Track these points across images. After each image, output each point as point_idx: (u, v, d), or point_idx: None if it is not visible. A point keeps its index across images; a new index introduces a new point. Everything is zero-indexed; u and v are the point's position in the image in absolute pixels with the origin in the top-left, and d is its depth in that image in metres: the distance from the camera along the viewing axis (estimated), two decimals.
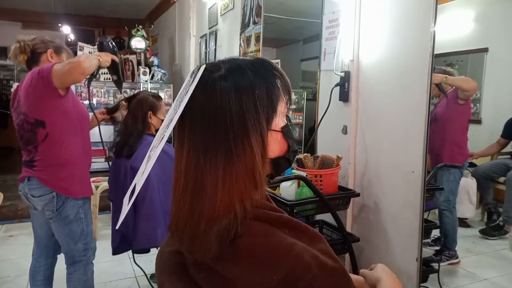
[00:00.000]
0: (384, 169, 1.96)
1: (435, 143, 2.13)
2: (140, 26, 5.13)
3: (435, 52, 1.66)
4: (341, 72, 2.15)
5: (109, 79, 2.15)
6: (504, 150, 2.56)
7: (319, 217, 2.16)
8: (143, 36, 5.06)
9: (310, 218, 2.14)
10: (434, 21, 1.63)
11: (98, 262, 2.16)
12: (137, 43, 5.04)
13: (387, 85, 1.92)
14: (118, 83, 2.15)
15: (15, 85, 2.44)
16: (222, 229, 0.60)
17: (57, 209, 1.85)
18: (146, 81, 5.05)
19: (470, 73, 2.47)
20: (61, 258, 2.05)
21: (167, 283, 0.69)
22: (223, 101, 0.62)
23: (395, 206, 1.90)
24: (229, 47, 3.72)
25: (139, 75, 5.08)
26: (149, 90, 4.85)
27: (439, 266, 2.03)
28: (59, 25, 7.68)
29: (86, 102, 3.55)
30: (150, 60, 5.37)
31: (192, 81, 0.64)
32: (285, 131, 0.69)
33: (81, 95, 4.69)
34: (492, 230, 2.50)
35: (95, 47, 3.95)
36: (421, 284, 1.82)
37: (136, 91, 4.43)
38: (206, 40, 4.33)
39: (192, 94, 0.62)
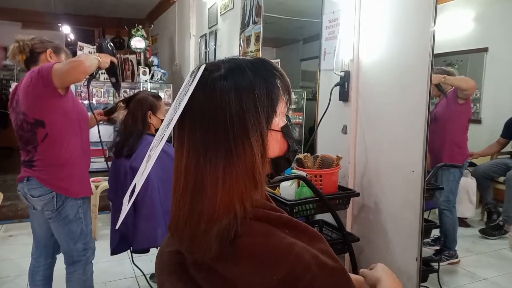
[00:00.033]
0: (384, 169, 1.96)
1: (435, 143, 2.12)
2: (140, 26, 5.14)
3: (435, 52, 1.66)
4: (341, 72, 2.15)
5: (109, 79, 2.16)
6: (504, 149, 2.55)
7: (319, 217, 2.16)
8: (143, 36, 5.07)
9: (310, 218, 2.14)
10: (434, 21, 1.63)
11: (98, 262, 2.16)
12: (137, 43, 5.04)
13: (387, 85, 1.92)
14: (116, 86, 2.15)
15: (13, 84, 2.44)
16: (222, 229, 0.60)
17: (56, 209, 1.85)
18: (146, 81, 5.05)
19: (470, 73, 2.47)
20: (60, 258, 2.05)
21: (167, 283, 0.69)
22: (223, 101, 0.61)
23: (395, 205, 1.90)
24: (229, 47, 3.72)
25: (138, 75, 5.08)
26: (149, 90, 4.85)
27: (439, 265, 2.03)
28: (59, 25, 7.66)
29: (86, 102, 3.55)
30: (150, 60, 5.37)
31: (192, 81, 0.63)
32: (285, 131, 0.69)
33: (80, 95, 4.69)
34: (492, 230, 2.50)
35: (95, 47, 3.95)
36: (421, 284, 1.82)
37: (136, 91, 4.44)
38: (206, 40, 4.33)
39: (192, 94, 0.62)
